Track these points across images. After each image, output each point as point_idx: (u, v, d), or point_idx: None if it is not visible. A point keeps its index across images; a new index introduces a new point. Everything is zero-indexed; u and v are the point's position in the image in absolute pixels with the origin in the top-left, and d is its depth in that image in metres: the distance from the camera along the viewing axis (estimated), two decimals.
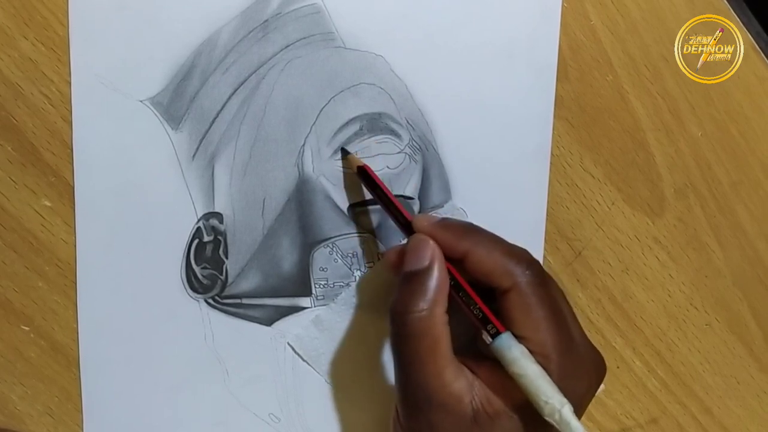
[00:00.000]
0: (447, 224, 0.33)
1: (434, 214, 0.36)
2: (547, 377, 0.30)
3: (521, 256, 0.32)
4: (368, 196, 0.37)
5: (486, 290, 0.32)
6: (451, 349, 0.31)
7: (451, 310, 0.32)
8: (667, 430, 0.43)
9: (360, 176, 0.36)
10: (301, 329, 0.38)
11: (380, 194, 0.35)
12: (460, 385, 0.31)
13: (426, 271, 0.32)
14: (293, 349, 0.38)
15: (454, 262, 0.33)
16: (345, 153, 0.36)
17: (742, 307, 0.42)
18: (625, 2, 0.38)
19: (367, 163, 0.36)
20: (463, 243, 0.32)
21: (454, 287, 0.32)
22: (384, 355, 0.39)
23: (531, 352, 0.30)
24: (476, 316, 0.31)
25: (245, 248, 0.37)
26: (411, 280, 0.32)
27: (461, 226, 0.33)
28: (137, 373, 0.37)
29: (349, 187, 0.37)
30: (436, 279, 0.32)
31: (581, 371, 0.32)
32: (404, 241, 0.35)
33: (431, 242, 0.32)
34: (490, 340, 0.31)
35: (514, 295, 0.31)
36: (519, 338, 0.31)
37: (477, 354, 0.33)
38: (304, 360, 0.38)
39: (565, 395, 0.29)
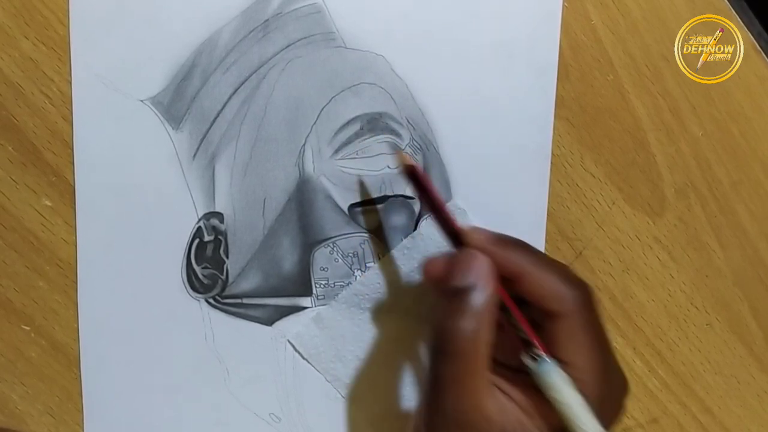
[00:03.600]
0: (502, 241, 0.32)
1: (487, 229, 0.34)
2: (587, 407, 0.29)
3: (574, 280, 0.31)
4: (371, 195, 0.37)
5: (517, 301, 0.32)
6: (488, 371, 0.31)
7: None
8: (668, 430, 0.43)
9: (408, 177, 0.34)
10: (302, 327, 0.38)
11: (428, 200, 0.33)
12: (493, 408, 0.30)
13: (478, 288, 0.30)
14: (293, 346, 0.38)
15: (503, 279, 0.32)
16: (396, 148, 0.35)
17: (742, 307, 0.42)
18: (626, 2, 0.38)
19: (368, 163, 0.36)
20: (519, 263, 0.31)
21: (500, 305, 0.31)
22: (384, 354, 0.39)
23: (572, 378, 0.30)
24: (520, 336, 0.31)
25: (246, 248, 0.37)
26: (460, 296, 0.30)
27: (516, 244, 0.32)
28: (137, 373, 0.37)
29: (350, 187, 0.37)
30: (488, 298, 0.30)
31: (614, 399, 0.32)
32: (441, 252, 0.34)
33: (486, 259, 0.31)
34: (531, 362, 0.30)
35: (564, 320, 0.31)
36: (560, 362, 0.30)
37: (509, 373, 0.32)
38: (304, 358, 0.38)
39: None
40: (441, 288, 0.32)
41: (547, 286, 0.31)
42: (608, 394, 0.31)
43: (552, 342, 0.31)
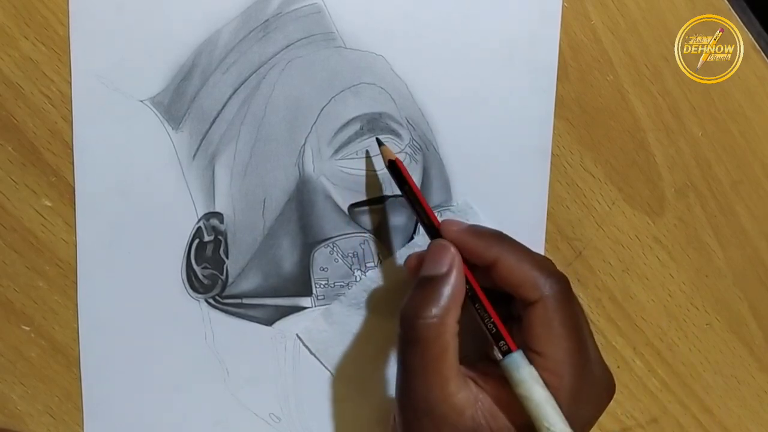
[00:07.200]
0: (477, 231, 0.33)
1: (462, 221, 0.34)
2: (554, 403, 0.29)
3: (550, 269, 0.32)
4: (371, 195, 0.37)
5: (499, 298, 0.32)
6: (457, 360, 0.31)
7: (468, 319, 0.32)
8: (668, 430, 0.43)
9: (390, 170, 0.35)
10: (310, 322, 0.38)
11: (408, 192, 0.34)
12: (463, 397, 0.30)
13: (443, 278, 0.31)
14: (301, 341, 0.38)
15: (477, 270, 0.32)
16: (380, 143, 0.36)
17: (742, 307, 0.42)
18: (626, 2, 0.38)
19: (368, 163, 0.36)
20: (493, 251, 0.31)
21: (471, 298, 0.32)
22: (390, 353, 0.39)
23: (546, 369, 0.30)
24: (489, 330, 0.31)
25: (246, 248, 0.37)
26: (426, 285, 0.31)
27: (491, 234, 0.33)
28: (137, 373, 0.37)
29: (350, 187, 0.37)
30: (452, 287, 0.31)
31: (592, 395, 0.32)
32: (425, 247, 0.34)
33: (452, 248, 0.32)
34: (500, 357, 0.30)
35: (539, 309, 0.31)
36: (536, 354, 0.30)
37: (488, 367, 0.32)
38: (311, 353, 0.38)
39: (572, 420, 0.29)
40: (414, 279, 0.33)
41: (521, 273, 0.31)
42: (585, 390, 0.31)
43: (528, 332, 0.31)
